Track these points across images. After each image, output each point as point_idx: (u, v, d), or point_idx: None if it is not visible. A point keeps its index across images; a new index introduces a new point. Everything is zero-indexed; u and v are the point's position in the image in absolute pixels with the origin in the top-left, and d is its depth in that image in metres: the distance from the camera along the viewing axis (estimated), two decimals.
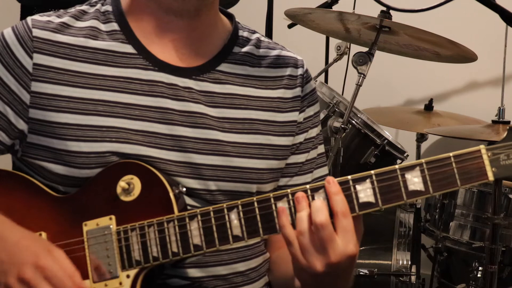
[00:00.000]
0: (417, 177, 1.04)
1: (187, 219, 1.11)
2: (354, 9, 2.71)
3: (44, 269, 1.07)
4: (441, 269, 2.64)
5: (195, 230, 1.11)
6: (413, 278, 2.23)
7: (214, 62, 1.28)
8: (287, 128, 1.31)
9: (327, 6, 2.51)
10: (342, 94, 2.93)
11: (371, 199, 1.05)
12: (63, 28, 1.23)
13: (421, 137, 3.02)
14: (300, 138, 1.34)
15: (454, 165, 1.03)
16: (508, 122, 2.38)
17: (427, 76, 3.25)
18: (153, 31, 1.25)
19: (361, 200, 1.05)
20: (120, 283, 1.13)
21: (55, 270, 1.08)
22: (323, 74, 2.93)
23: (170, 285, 1.21)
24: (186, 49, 1.26)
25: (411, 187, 1.04)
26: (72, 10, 1.27)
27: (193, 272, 1.23)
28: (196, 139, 1.22)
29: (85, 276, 1.14)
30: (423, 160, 1.04)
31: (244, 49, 1.32)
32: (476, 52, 2.30)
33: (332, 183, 1.05)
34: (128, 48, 1.23)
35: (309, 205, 1.05)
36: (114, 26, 1.25)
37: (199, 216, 1.11)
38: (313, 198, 1.06)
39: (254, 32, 1.37)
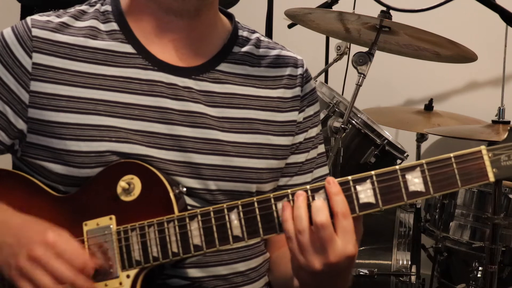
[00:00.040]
0: (418, 177, 1.03)
1: (187, 219, 1.11)
2: (354, 9, 2.71)
3: (54, 245, 1.08)
4: (441, 269, 2.64)
5: (195, 230, 1.11)
6: (413, 278, 2.23)
7: (214, 62, 1.28)
8: (286, 128, 1.31)
9: (327, 6, 2.51)
10: (342, 94, 2.93)
11: (372, 199, 1.04)
12: (62, 27, 1.23)
13: (421, 137, 3.02)
14: (300, 137, 1.34)
15: (454, 165, 1.02)
16: (508, 122, 2.38)
17: (427, 76, 3.25)
18: (153, 31, 1.25)
19: (361, 201, 1.05)
20: (120, 283, 1.13)
21: (64, 245, 1.08)
22: (323, 74, 2.93)
23: (170, 285, 1.21)
24: (186, 49, 1.26)
25: (412, 187, 1.04)
26: (72, 10, 1.27)
27: (193, 272, 1.23)
28: (196, 138, 1.22)
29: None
30: (423, 161, 1.04)
31: (244, 49, 1.32)
32: (476, 52, 2.30)
33: (333, 184, 1.05)
34: (128, 48, 1.23)
35: (309, 205, 1.05)
36: (114, 26, 1.25)
37: (199, 216, 1.11)
38: (313, 199, 1.06)
39: (254, 32, 1.37)
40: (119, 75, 1.21)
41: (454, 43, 2.22)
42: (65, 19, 1.24)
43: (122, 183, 1.14)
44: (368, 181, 1.05)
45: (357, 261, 2.23)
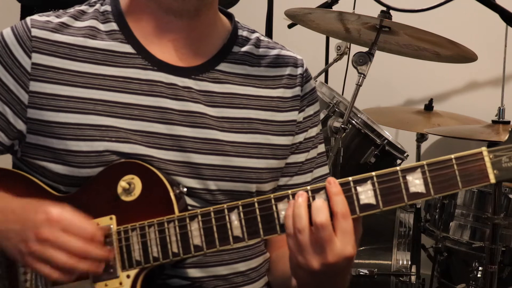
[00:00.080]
0: (418, 179, 1.03)
1: (187, 220, 1.11)
2: (354, 9, 2.71)
3: (59, 221, 1.08)
4: (441, 269, 2.64)
5: (195, 231, 1.11)
6: (413, 278, 2.23)
7: (214, 62, 1.28)
8: (286, 128, 1.31)
9: (327, 6, 2.51)
10: (342, 94, 2.93)
11: (372, 200, 1.04)
12: (62, 28, 1.23)
13: (421, 137, 3.02)
14: (300, 137, 1.33)
15: (455, 167, 1.02)
16: (508, 122, 2.38)
17: (427, 76, 3.25)
18: (153, 31, 1.25)
19: (362, 202, 1.04)
20: (120, 283, 1.13)
21: (69, 218, 1.09)
22: (323, 74, 2.93)
23: (171, 285, 1.21)
24: (186, 49, 1.26)
25: (412, 189, 1.03)
26: (71, 10, 1.27)
27: (194, 272, 1.23)
28: (196, 138, 1.22)
29: (85, 275, 1.14)
30: (424, 162, 1.03)
31: (244, 49, 1.32)
32: (476, 52, 2.30)
33: (333, 184, 1.04)
34: (127, 48, 1.23)
35: (310, 206, 1.05)
36: (113, 26, 1.25)
37: (199, 217, 1.11)
38: (313, 199, 1.06)
39: (253, 31, 1.37)
40: (118, 75, 1.21)
41: (454, 43, 2.22)
42: (64, 19, 1.24)
43: (122, 183, 1.14)
44: (369, 182, 1.04)
45: (357, 261, 2.24)
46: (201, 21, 1.27)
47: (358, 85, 2.18)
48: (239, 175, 1.25)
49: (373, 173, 1.04)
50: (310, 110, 1.35)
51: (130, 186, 1.14)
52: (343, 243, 1.02)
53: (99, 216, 1.15)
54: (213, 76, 1.26)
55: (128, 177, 1.15)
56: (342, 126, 2.19)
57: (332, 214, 1.03)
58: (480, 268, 2.41)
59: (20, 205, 1.14)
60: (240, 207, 1.09)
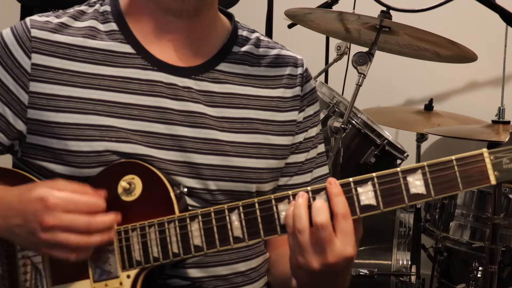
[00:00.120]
0: (419, 180, 1.03)
1: (188, 220, 1.11)
2: (354, 9, 2.71)
3: (57, 205, 1.07)
4: (441, 269, 2.64)
5: (195, 231, 1.11)
6: (413, 278, 2.23)
7: (214, 62, 1.28)
8: (286, 128, 1.31)
9: (327, 6, 2.51)
10: (342, 94, 2.93)
11: (373, 201, 1.04)
12: (61, 28, 1.23)
13: (421, 137, 3.02)
14: (300, 137, 1.33)
15: (456, 168, 1.02)
16: (508, 122, 2.39)
17: (427, 76, 3.25)
18: (152, 32, 1.25)
19: (362, 203, 1.04)
20: (121, 283, 1.13)
21: (66, 197, 1.08)
22: (323, 74, 2.93)
23: (171, 285, 1.21)
24: (185, 49, 1.26)
25: (413, 190, 1.03)
26: (71, 10, 1.27)
27: (194, 273, 1.23)
28: (196, 138, 1.22)
29: (85, 276, 1.14)
30: (425, 163, 1.03)
31: (244, 49, 1.32)
32: (476, 52, 2.30)
33: (334, 184, 1.04)
34: (127, 48, 1.23)
35: (310, 206, 1.05)
36: (113, 26, 1.25)
37: (200, 217, 1.11)
38: (314, 200, 1.06)
39: (253, 31, 1.37)
40: (118, 75, 1.21)
41: (454, 43, 2.22)
42: (64, 19, 1.24)
43: (123, 183, 1.14)
44: (369, 183, 1.04)
45: (357, 261, 2.24)
46: (201, 21, 1.26)
47: (358, 85, 2.18)
48: (239, 175, 1.25)
49: (374, 174, 1.04)
50: (310, 110, 1.35)
51: (131, 186, 1.14)
52: (343, 244, 1.02)
53: None
54: (213, 76, 1.26)
55: (128, 177, 1.15)
56: (342, 126, 2.19)
57: (332, 214, 1.03)
58: (480, 268, 2.41)
59: (15, 198, 1.13)
60: (241, 208, 1.09)
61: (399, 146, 2.52)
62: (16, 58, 1.20)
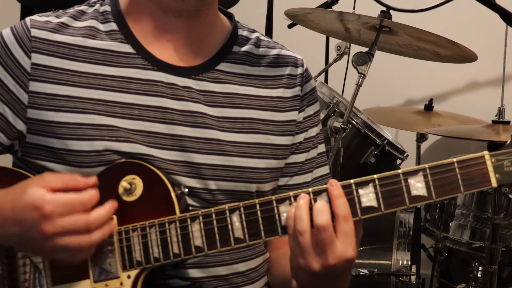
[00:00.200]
0: (420, 182, 1.03)
1: (188, 221, 1.11)
2: (354, 9, 2.71)
3: (53, 212, 1.06)
4: (441, 269, 2.64)
5: (196, 232, 1.11)
6: (413, 278, 2.23)
7: (214, 62, 1.28)
8: (286, 128, 1.31)
9: (327, 6, 2.50)
10: (342, 94, 2.93)
11: (374, 203, 1.04)
12: (61, 28, 1.23)
13: (421, 137, 3.02)
14: (300, 137, 1.33)
15: (457, 170, 1.02)
16: (508, 122, 2.39)
17: (427, 76, 3.25)
18: (152, 32, 1.25)
19: (363, 204, 1.05)
20: (121, 284, 1.13)
21: (59, 200, 1.07)
22: (323, 74, 2.93)
23: (171, 285, 1.21)
24: (185, 49, 1.26)
25: (414, 192, 1.04)
26: (71, 10, 1.27)
27: (194, 273, 1.23)
28: (196, 138, 1.22)
29: (86, 276, 1.14)
30: (426, 165, 1.04)
31: (244, 48, 1.32)
32: (476, 52, 2.30)
33: (335, 186, 1.05)
34: (127, 48, 1.23)
35: (311, 208, 1.05)
36: (113, 26, 1.25)
37: (200, 218, 1.11)
38: (315, 201, 1.06)
39: (253, 31, 1.37)
40: (118, 75, 1.21)
41: (454, 43, 2.22)
42: (64, 19, 1.24)
43: (123, 183, 1.14)
44: (371, 184, 1.05)
45: (357, 261, 2.23)
46: (200, 21, 1.26)
47: (358, 85, 2.18)
48: (240, 175, 1.25)
49: (375, 176, 1.04)
50: (310, 110, 1.35)
51: (132, 186, 1.14)
52: (344, 245, 1.02)
53: None
54: (213, 76, 1.26)
55: (129, 177, 1.15)
56: (342, 126, 2.19)
57: (333, 216, 1.03)
58: (480, 268, 2.41)
59: (7, 206, 1.10)
60: (242, 209, 1.09)
61: (399, 146, 2.52)
62: (16, 58, 1.20)
